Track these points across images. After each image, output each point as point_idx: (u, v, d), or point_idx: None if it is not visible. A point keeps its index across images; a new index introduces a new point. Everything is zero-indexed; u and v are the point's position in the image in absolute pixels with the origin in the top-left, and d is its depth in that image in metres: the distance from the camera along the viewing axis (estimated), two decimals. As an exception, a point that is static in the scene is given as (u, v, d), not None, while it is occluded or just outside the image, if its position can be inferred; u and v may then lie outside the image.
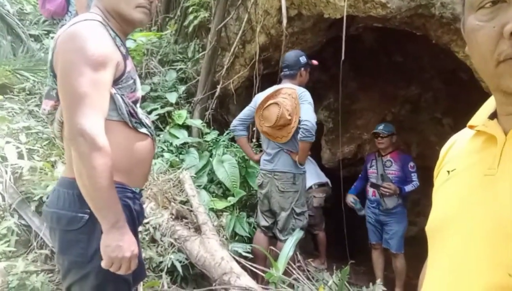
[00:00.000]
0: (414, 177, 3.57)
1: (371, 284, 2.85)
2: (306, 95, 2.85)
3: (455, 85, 4.28)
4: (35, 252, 2.35)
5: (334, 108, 5.06)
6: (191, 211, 2.89)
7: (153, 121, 2.82)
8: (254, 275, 2.47)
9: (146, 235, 2.59)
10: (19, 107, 3.30)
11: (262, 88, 3.30)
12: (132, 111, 1.30)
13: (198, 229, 2.71)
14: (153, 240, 2.61)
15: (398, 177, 3.61)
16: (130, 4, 1.29)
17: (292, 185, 2.92)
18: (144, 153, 1.36)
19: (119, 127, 1.28)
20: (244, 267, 2.44)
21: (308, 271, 2.85)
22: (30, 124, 3.03)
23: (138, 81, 1.39)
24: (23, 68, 3.84)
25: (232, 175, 3.40)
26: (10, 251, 2.28)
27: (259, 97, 3.09)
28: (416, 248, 2.83)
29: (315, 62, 3.13)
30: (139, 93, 1.40)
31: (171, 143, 3.66)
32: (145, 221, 2.58)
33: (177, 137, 3.71)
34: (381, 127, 3.73)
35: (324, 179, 4.20)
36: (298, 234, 2.73)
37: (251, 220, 3.32)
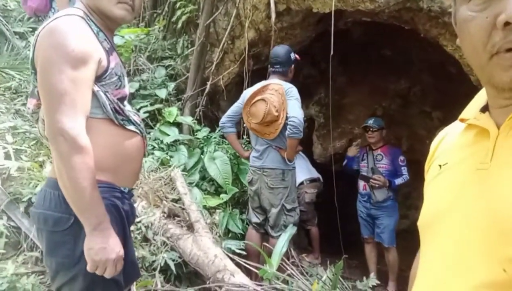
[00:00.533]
0: (404, 170, 3.61)
1: (364, 277, 2.88)
2: (293, 91, 2.84)
3: (444, 78, 4.31)
4: (25, 254, 2.31)
5: (325, 103, 5.06)
6: (183, 209, 2.87)
7: (143, 119, 2.79)
8: (247, 272, 2.47)
9: (138, 234, 2.56)
10: (5, 106, 3.22)
11: (252, 84, 3.28)
12: (117, 108, 1.27)
13: (190, 227, 2.70)
14: (145, 239, 2.58)
15: (389, 171, 3.64)
16: (112, 1, 1.25)
17: (282, 181, 2.92)
18: (132, 151, 1.32)
19: (104, 125, 1.24)
20: (237, 264, 2.43)
21: (302, 266, 2.85)
22: (16, 124, 2.96)
23: (125, 77, 1.36)
24: (8, 66, 3.75)
25: (224, 171, 3.38)
26: (-1, 253, 2.25)
27: (247, 94, 3.06)
28: (408, 241, 2.86)
29: (298, 57, 3.12)
30: (127, 90, 1.37)
31: (161, 141, 3.62)
32: (137, 220, 2.56)
33: (168, 135, 3.67)
34: (371, 121, 3.75)
35: (315, 174, 4.22)
36: (291, 230, 2.73)
37: (244, 216, 3.31)
